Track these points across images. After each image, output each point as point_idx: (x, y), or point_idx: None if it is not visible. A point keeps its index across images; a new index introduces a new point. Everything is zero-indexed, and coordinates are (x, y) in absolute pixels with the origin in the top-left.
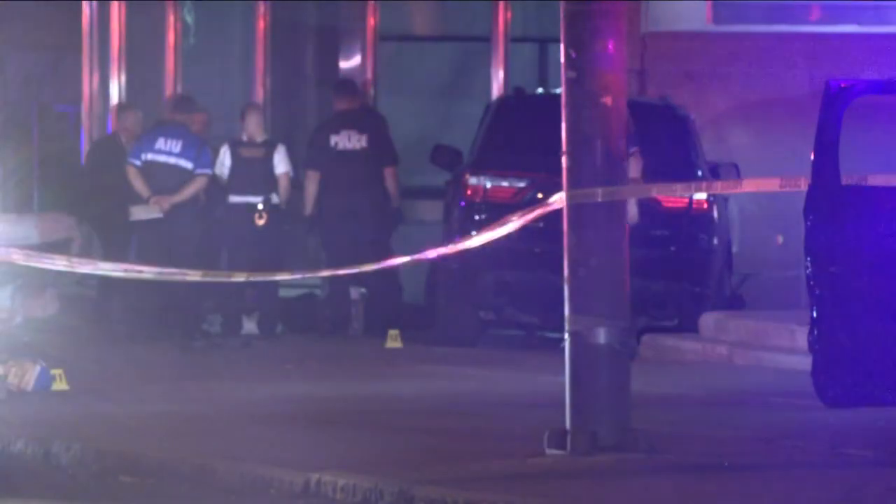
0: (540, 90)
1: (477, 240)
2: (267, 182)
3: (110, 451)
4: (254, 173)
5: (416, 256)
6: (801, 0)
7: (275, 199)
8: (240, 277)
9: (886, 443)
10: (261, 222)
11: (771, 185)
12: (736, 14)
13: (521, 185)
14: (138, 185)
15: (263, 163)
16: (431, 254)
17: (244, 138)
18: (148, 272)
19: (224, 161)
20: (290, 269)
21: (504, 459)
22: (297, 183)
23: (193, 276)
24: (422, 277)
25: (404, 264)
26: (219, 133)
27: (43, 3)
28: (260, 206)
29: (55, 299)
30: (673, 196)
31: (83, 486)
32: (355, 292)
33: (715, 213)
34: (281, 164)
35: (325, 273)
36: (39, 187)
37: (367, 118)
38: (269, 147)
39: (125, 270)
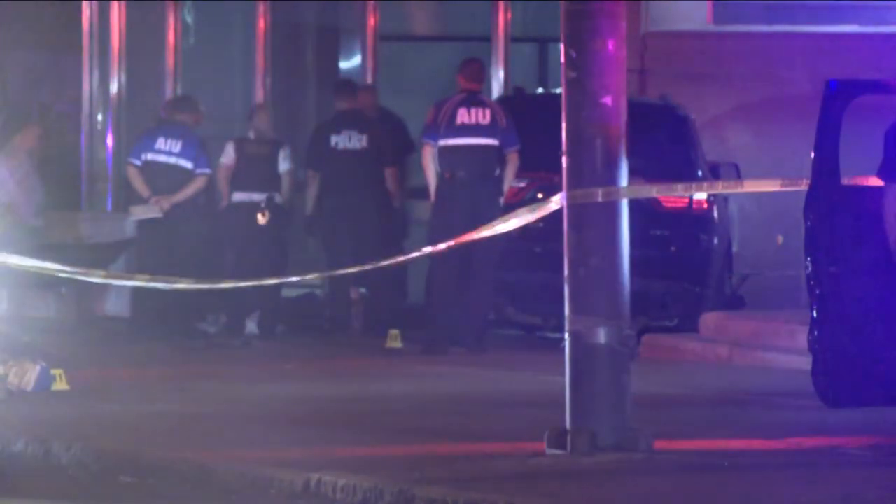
0: (540, 90)
1: (473, 239)
2: (271, 180)
3: (110, 451)
4: (258, 171)
5: (410, 256)
6: (801, 0)
7: (277, 198)
8: (228, 284)
9: (886, 443)
10: (263, 220)
11: (771, 185)
12: (736, 14)
13: (521, 185)
14: (138, 184)
15: (268, 161)
16: (426, 251)
17: (251, 136)
18: (139, 280)
19: (228, 154)
20: (284, 273)
21: (504, 459)
22: (297, 183)
23: (183, 284)
24: (422, 277)
25: (397, 263)
26: (219, 133)
27: (43, 3)
28: (262, 205)
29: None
30: (673, 196)
31: (83, 486)
32: (355, 292)
33: (715, 213)
34: (284, 162)
35: (316, 276)
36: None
37: (368, 118)
38: (275, 146)
39: (105, 277)
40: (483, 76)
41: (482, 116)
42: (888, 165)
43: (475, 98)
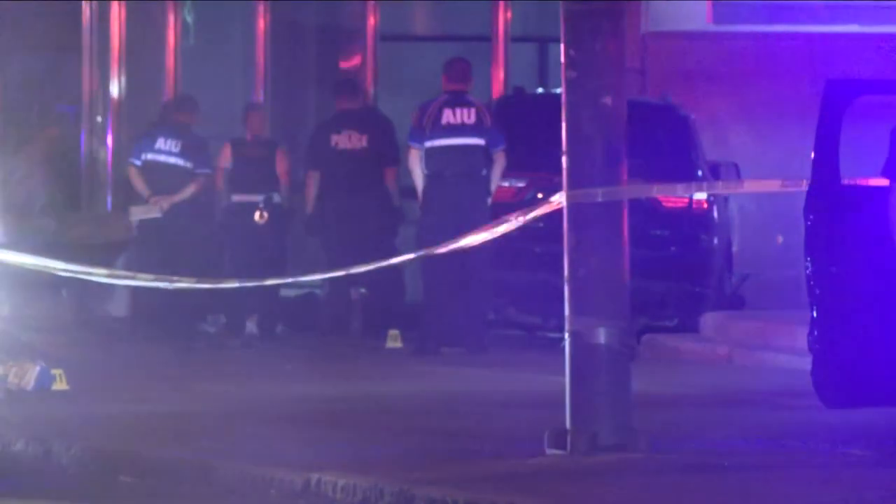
0: (540, 90)
1: (475, 239)
2: (269, 181)
3: (110, 451)
4: (256, 172)
5: (409, 256)
6: (801, 0)
7: (276, 198)
8: (231, 283)
9: (886, 443)
10: (261, 221)
11: (771, 185)
12: (736, 14)
13: (521, 185)
14: (138, 184)
15: (265, 161)
16: (426, 253)
17: (247, 137)
18: (140, 280)
19: (225, 157)
20: (283, 273)
21: (504, 459)
22: (297, 183)
23: (184, 283)
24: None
25: (395, 263)
26: (219, 133)
27: (43, 4)
28: (260, 205)
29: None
30: (673, 196)
31: (83, 486)
32: (355, 292)
33: (715, 213)
34: (282, 162)
35: (318, 277)
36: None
37: (368, 118)
38: (272, 146)
39: (110, 276)
40: (468, 76)
41: (467, 116)
42: (893, 165)
43: (460, 98)
